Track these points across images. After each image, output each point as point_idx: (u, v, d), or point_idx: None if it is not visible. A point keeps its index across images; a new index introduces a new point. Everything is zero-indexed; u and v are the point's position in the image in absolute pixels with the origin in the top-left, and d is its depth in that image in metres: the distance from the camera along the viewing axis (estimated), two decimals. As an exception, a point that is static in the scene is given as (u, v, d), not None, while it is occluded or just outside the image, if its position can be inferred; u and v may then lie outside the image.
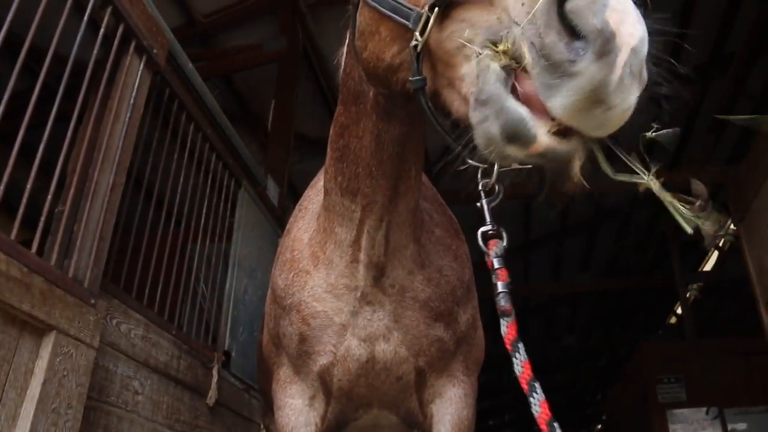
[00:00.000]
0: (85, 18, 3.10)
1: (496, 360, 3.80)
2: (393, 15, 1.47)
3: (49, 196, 2.87)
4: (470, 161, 1.45)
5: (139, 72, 3.55)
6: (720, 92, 9.17)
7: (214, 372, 4.29)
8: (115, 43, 3.35)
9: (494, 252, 1.70)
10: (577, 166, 1.26)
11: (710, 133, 9.84)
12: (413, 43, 1.40)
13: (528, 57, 1.15)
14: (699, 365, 10.36)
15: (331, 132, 2.18)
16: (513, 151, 1.18)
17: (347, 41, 2.03)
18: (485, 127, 1.18)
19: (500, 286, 1.62)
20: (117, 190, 3.34)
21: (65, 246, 2.98)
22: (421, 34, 1.37)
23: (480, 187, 1.80)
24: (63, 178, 3.08)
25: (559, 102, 1.11)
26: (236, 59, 7.46)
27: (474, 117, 1.21)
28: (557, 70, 1.10)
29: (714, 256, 14.24)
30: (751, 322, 7.89)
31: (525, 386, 1.51)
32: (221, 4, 7.45)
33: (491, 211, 1.80)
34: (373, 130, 1.97)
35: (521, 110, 1.15)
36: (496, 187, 1.79)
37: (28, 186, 2.71)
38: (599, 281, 14.55)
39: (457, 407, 2.46)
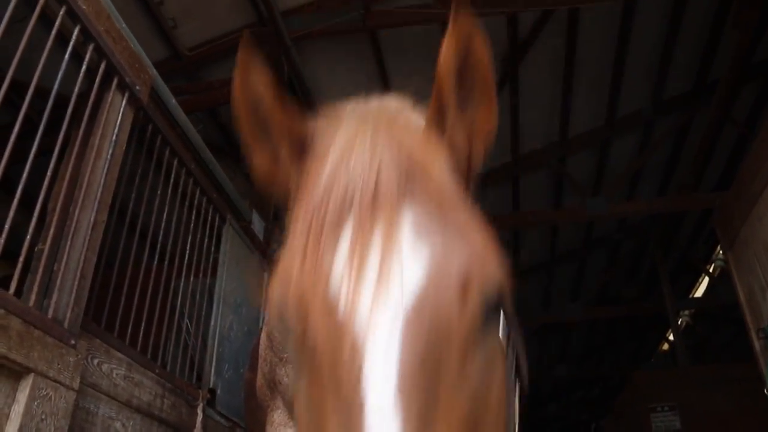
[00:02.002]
0: (67, 55, 3.07)
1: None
2: None
3: (29, 236, 2.81)
4: None
5: (122, 108, 3.51)
6: (706, 119, 9.27)
7: (199, 410, 4.20)
8: (98, 80, 3.31)
9: None
10: None
11: (697, 160, 9.90)
12: None
13: None
14: (692, 393, 10.29)
15: None
16: None
17: None
18: None
19: None
20: (98, 228, 3.27)
21: (45, 285, 2.91)
22: None
23: None
24: (43, 215, 3.02)
25: None
26: (221, 92, 7.42)
27: None
28: None
29: (704, 282, 14.24)
30: (743, 347, 7.85)
31: None
32: (206, 37, 7.46)
33: None
34: None
35: None
36: None
37: (8, 222, 2.65)
38: (590, 310, 14.49)
39: None
